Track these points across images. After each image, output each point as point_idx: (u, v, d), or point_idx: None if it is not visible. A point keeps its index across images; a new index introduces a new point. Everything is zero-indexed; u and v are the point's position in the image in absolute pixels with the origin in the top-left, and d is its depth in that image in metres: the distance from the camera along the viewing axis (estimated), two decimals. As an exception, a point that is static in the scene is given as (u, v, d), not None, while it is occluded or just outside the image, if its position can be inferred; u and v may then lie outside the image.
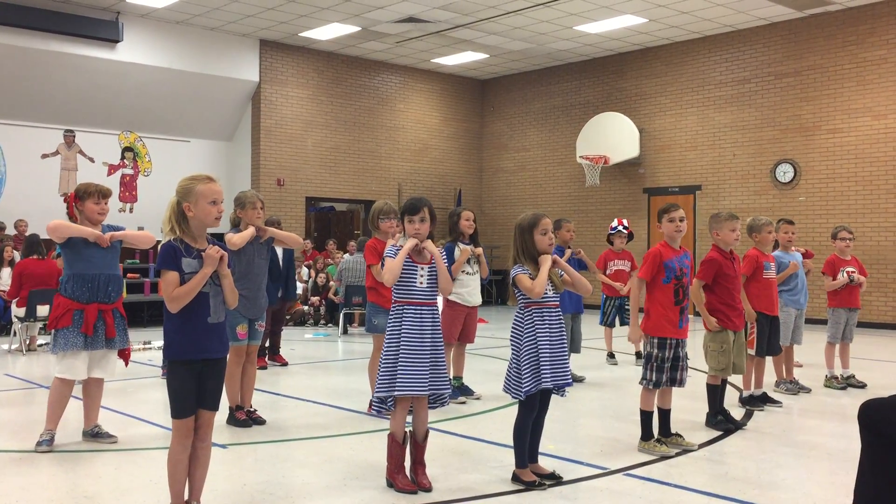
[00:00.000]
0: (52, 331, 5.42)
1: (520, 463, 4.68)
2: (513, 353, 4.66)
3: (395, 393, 4.47)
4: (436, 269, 4.63)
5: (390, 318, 4.60)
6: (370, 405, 6.43)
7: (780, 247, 7.89)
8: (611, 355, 9.72)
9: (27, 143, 14.96)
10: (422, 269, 4.59)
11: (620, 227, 9.64)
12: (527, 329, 4.61)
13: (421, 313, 4.55)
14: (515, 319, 4.70)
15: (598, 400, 7.38)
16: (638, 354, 9.54)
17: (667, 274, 5.47)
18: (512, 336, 4.70)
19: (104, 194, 5.48)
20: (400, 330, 4.52)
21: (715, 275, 6.11)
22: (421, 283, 4.57)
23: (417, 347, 4.49)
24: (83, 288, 5.36)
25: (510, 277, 4.68)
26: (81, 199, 5.43)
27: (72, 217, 5.50)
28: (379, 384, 4.55)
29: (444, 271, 4.68)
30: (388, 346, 4.55)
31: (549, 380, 4.56)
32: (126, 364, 5.74)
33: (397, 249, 4.58)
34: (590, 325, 13.61)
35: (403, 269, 4.55)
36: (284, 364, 9.47)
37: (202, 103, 16.56)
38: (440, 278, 4.64)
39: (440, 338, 4.61)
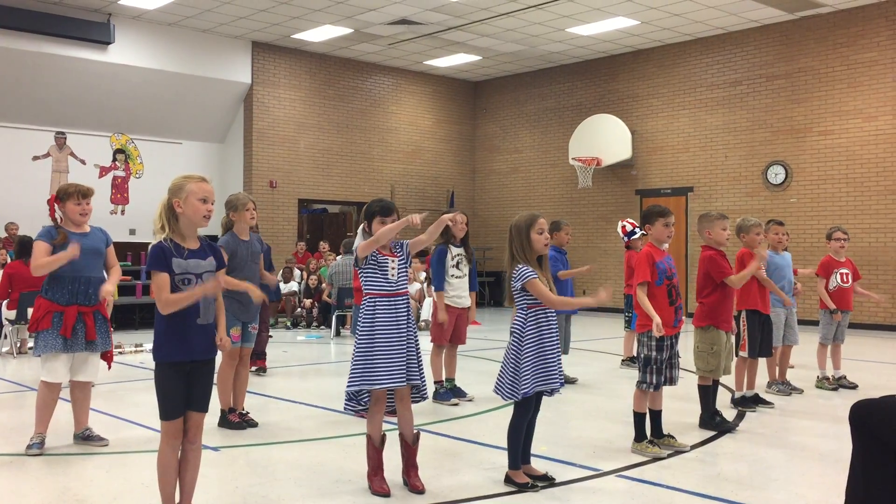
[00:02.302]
0: (34, 333, 5.40)
1: (513, 464, 4.67)
2: (512, 354, 4.61)
3: (376, 386, 4.41)
4: (403, 260, 4.57)
5: (363, 312, 4.52)
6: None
7: (771, 247, 7.89)
8: (632, 360, 9.20)
9: (18, 146, 14.90)
10: (393, 261, 4.54)
11: (639, 230, 9.10)
12: (530, 330, 4.58)
13: (396, 304, 4.50)
14: (517, 320, 4.65)
15: (589, 402, 7.38)
16: (632, 359, 9.43)
17: (659, 276, 5.47)
18: (513, 337, 4.65)
19: (84, 194, 5.45)
20: (374, 323, 4.46)
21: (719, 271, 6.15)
22: (392, 275, 4.52)
23: (394, 339, 4.44)
24: (63, 290, 5.33)
25: (516, 280, 4.61)
26: (62, 201, 5.42)
27: (53, 220, 5.46)
28: (351, 377, 4.45)
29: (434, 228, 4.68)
30: (360, 340, 4.47)
31: (555, 381, 4.59)
32: (109, 367, 5.72)
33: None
34: (584, 327, 13.63)
35: (377, 262, 4.49)
36: (263, 369, 8.91)
37: (194, 105, 16.53)
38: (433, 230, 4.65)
39: (414, 329, 4.58)
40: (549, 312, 4.66)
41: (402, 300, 4.54)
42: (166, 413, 3.76)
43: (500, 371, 4.68)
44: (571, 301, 4.73)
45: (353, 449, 5.44)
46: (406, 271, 4.62)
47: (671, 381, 5.55)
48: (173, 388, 3.75)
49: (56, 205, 5.46)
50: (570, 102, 18.52)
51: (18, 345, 10.45)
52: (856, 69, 14.29)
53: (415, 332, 4.58)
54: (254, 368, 9.14)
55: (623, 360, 9.50)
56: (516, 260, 4.67)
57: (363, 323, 4.50)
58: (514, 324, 4.68)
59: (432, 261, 7.32)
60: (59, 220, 5.45)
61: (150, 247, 3.77)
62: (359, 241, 4.63)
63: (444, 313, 7.16)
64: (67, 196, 5.41)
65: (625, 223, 9.28)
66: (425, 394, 4.71)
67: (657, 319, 5.32)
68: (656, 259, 5.50)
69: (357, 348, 4.49)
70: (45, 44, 14.29)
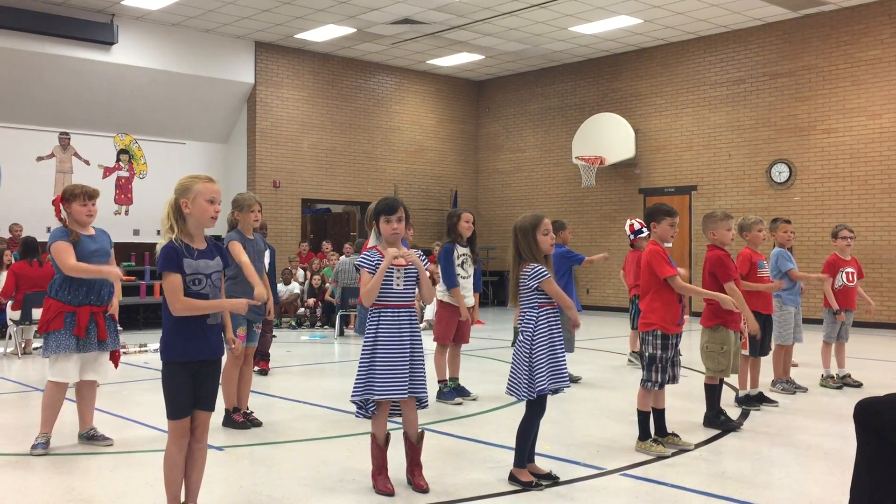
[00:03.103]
0: (43, 334, 5.41)
1: (519, 462, 4.66)
2: (524, 354, 4.59)
3: (375, 397, 4.42)
4: (413, 270, 4.55)
5: (369, 321, 4.53)
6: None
7: (778, 244, 7.89)
8: (636, 355, 9.33)
9: (22, 146, 14.93)
10: (398, 270, 4.51)
11: (647, 230, 9.15)
12: (542, 329, 4.58)
13: (399, 315, 4.49)
14: (528, 319, 4.64)
15: (593, 400, 7.38)
16: (637, 355, 9.41)
17: None
18: (523, 336, 4.63)
19: (90, 195, 5.47)
20: (377, 333, 4.46)
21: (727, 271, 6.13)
22: (398, 284, 4.50)
23: (396, 350, 4.44)
24: (78, 291, 5.35)
25: (530, 279, 4.59)
26: (68, 202, 5.43)
27: (60, 220, 5.49)
28: (355, 387, 4.48)
29: (427, 282, 4.62)
30: (364, 349, 4.50)
31: (559, 379, 4.58)
32: (116, 366, 5.74)
33: (374, 263, 4.47)
34: (586, 325, 13.62)
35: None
36: (264, 372, 8.83)
37: (197, 105, 16.55)
38: (423, 288, 4.58)
39: (419, 340, 4.56)
40: (557, 311, 4.66)
41: (406, 311, 4.53)
42: (173, 412, 3.76)
43: (512, 371, 4.66)
44: (568, 301, 4.75)
45: (357, 448, 5.45)
46: (413, 283, 4.58)
47: (673, 379, 5.55)
48: (180, 388, 3.75)
49: (62, 205, 5.47)
50: (574, 101, 18.50)
51: (23, 345, 10.47)
52: (859, 67, 14.27)
53: (420, 343, 4.56)
54: (256, 369, 9.12)
55: (631, 353, 9.43)
56: (525, 259, 4.66)
57: (368, 332, 4.52)
58: (525, 323, 4.66)
59: (440, 260, 7.32)
60: (64, 221, 5.47)
61: (160, 247, 3.76)
62: (373, 243, 4.62)
63: (466, 310, 7.17)
64: (74, 197, 5.43)
65: (632, 221, 9.27)
66: (426, 404, 4.68)
67: (726, 298, 5.58)
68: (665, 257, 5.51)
69: (361, 357, 4.50)
70: (48, 44, 14.31)
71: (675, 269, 5.42)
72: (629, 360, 9.44)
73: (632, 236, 9.22)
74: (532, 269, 4.61)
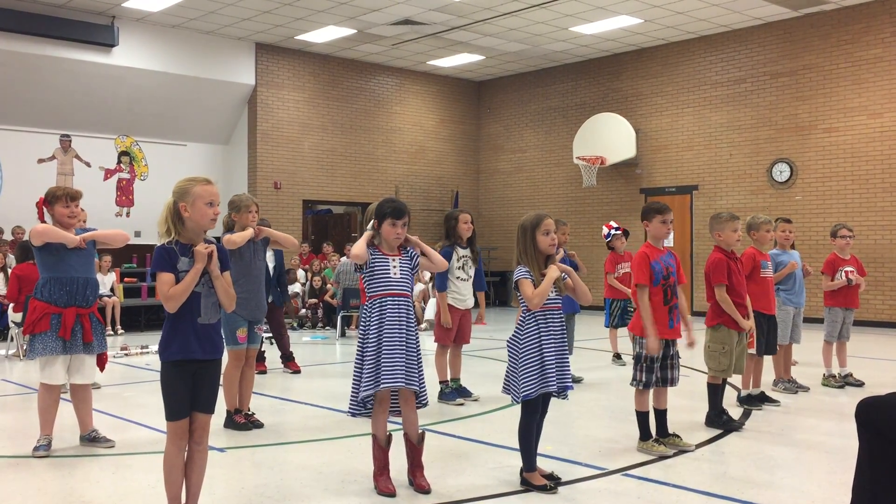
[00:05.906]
0: (28, 336, 5.38)
1: (528, 466, 4.62)
2: (510, 356, 4.63)
3: (381, 386, 4.38)
4: (408, 261, 4.58)
5: (370, 313, 4.50)
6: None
7: (779, 245, 7.89)
8: (617, 356, 9.67)
9: (23, 148, 14.95)
10: (393, 260, 4.54)
11: (614, 231, 9.60)
12: (529, 333, 4.56)
13: (398, 304, 4.49)
14: (518, 322, 4.66)
15: (595, 401, 7.37)
16: (617, 356, 9.56)
17: (655, 276, 5.43)
18: (511, 338, 4.65)
19: (73, 197, 5.44)
20: (381, 323, 4.44)
21: (728, 274, 6.11)
22: (395, 274, 4.52)
23: (397, 339, 4.43)
24: (61, 292, 5.32)
25: (513, 280, 4.63)
26: (51, 204, 5.41)
27: (42, 222, 5.46)
28: (364, 383, 4.44)
29: (432, 252, 4.67)
30: (368, 343, 4.45)
31: (553, 383, 4.53)
32: (101, 369, 5.72)
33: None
34: (588, 325, 13.62)
35: (377, 263, 4.50)
36: (297, 371, 9.13)
37: (198, 107, 16.56)
38: (432, 258, 4.64)
39: (415, 332, 4.56)
40: (550, 313, 4.60)
41: (405, 301, 4.53)
42: (172, 413, 3.76)
43: (506, 371, 4.68)
44: (543, 289, 4.57)
45: (359, 449, 5.44)
46: (409, 274, 4.59)
47: (671, 381, 5.52)
48: (178, 388, 3.75)
49: (45, 207, 5.45)
50: (574, 101, 18.50)
51: (25, 347, 10.47)
52: (860, 66, 14.26)
53: (415, 336, 4.55)
54: (290, 371, 9.11)
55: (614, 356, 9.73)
56: (520, 260, 4.66)
57: (370, 324, 4.49)
58: (516, 325, 4.68)
59: None
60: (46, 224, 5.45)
61: (155, 249, 3.77)
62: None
63: (447, 315, 7.15)
64: (56, 199, 5.40)
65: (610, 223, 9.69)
66: (425, 402, 4.66)
67: (649, 340, 5.29)
68: (652, 259, 5.46)
69: (365, 352, 4.47)
70: (49, 47, 14.33)
71: (642, 279, 5.38)
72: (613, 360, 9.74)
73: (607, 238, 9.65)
74: (518, 269, 4.61)
